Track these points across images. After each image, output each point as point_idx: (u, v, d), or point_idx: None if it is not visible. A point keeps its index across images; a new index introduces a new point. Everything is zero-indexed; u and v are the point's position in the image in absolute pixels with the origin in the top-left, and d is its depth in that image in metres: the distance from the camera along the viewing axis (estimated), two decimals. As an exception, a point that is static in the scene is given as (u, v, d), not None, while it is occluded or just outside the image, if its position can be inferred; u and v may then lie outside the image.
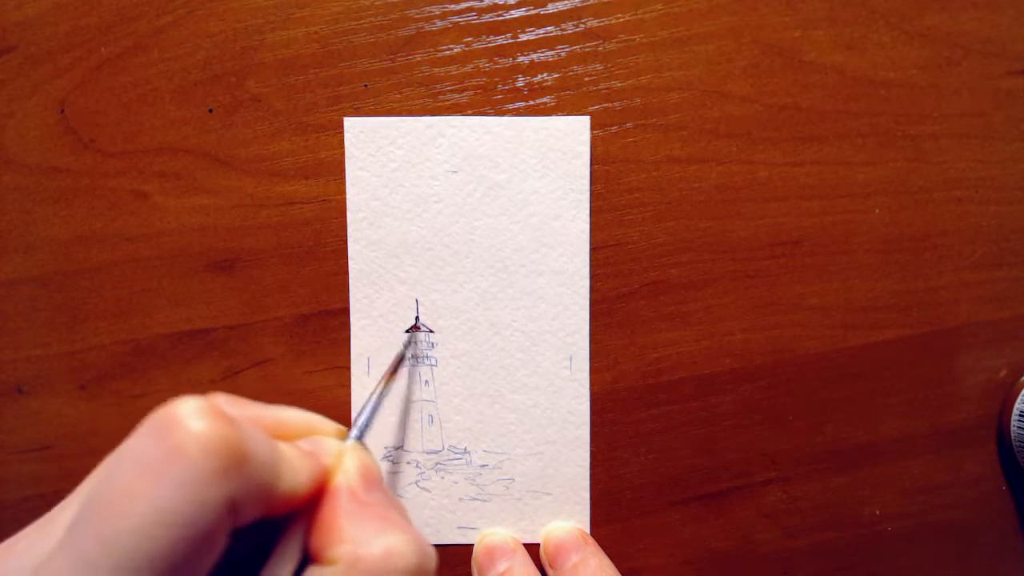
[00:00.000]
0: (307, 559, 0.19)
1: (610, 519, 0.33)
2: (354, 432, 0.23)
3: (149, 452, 0.17)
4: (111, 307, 0.33)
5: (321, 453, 0.21)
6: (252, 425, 0.18)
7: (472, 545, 0.33)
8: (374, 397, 0.27)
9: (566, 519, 0.33)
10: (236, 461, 0.17)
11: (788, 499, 0.33)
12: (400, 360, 0.31)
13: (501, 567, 0.31)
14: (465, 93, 0.32)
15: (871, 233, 0.33)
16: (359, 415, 0.25)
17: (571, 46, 0.32)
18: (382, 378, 0.28)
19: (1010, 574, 0.34)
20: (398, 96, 0.32)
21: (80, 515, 0.17)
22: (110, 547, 0.15)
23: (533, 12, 0.32)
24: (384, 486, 0.22)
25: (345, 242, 0.32)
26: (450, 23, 0.32)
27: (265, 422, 0.21)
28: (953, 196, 0.33)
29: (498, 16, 0.32)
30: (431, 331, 0.32)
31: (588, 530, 0.33)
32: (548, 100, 0.32)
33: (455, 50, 0.32)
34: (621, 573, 0.31)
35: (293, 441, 0.21)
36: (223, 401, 0.20)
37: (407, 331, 0.32)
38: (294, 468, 0.19)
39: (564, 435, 0.33)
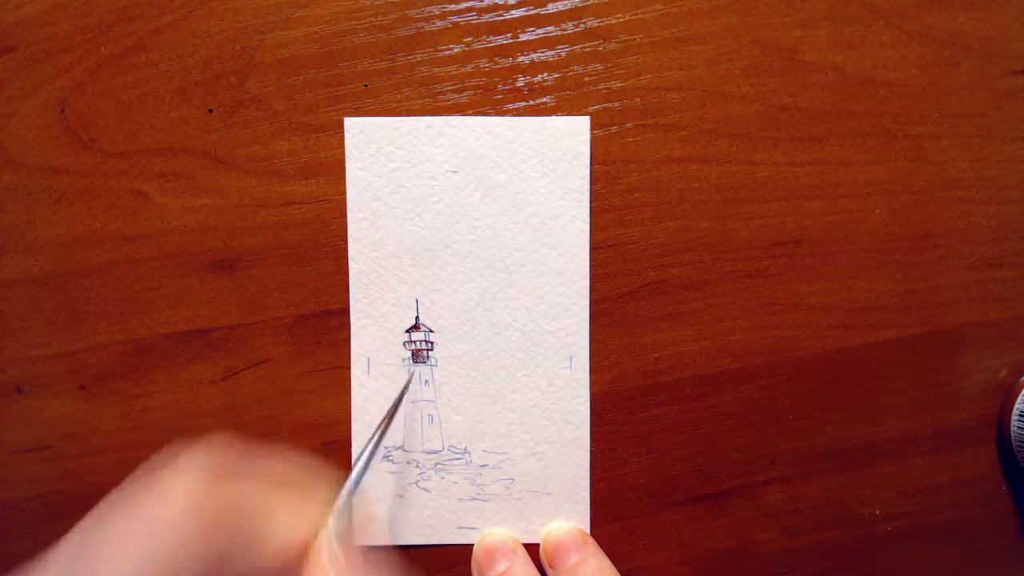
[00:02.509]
0: None
1: (610, 519, 0.33)
2: (344, 492, 0.23)
3: (140, 508, 0.17)
4: (111, 307, 0.33)
5: (311, 511, 0.21)
6: (245, 481, 0.19)
7: (472, 545, 0.33)
8: (367, 452, 0.27)
9: (566, 519, 0.33)
10: (224, 524, 0.17)
11: (788, 499, 0.33)
12: (395, 409, 0.31)
13: (501, 567, 0.31)
14: (465, 93, 0.32)
15: (871, 233, 0.33)
16: (352, 471, 0.25)
17: (571, 46, 0.32)
18: (375, 432, 0.29)
19: (1010, 574, 0.34)
20: (398, 96, 0.32)
21: (68, 570, 0.17)
22: None
23: (533, 12, 0.32)
24: (360, 565, 0.22)
25: (345, 242, 0.32)
26: (450, 23, 0.32)
27: (260, 474, 0.21)
28: (953, 196, 0.33)
29: (498, 16, 0.32)
30: (431, 331, 0.32)
31: (588, 530, 0.33)
32: (548, 100, 0.32)
33: (455, 50, 0.32)
34: (621, 573, 0.31)
35: (287, 494, 0.21)
36: (220, 451, 0.20)
37: (406, 342, 0.32)
38: (284, 527, 0.19)
39: (564, 435, 0.33)
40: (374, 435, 0.29)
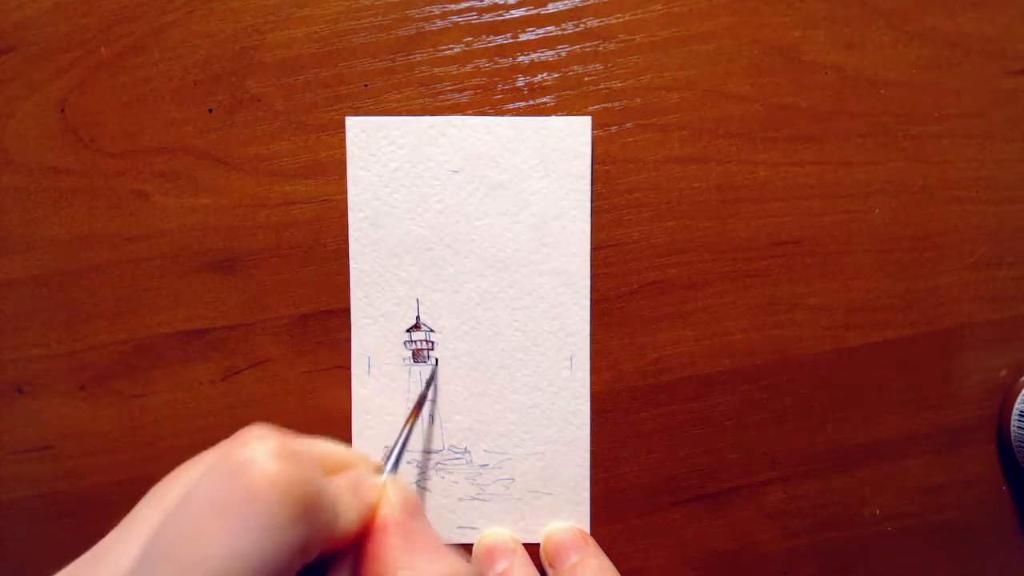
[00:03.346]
0: None
1: (610, 519, 0.33)
2: (389, 466, 0.24)
3: (224, 494, 0.16)
4: (111, 307, 0.33)
5: (363, 489, 0.21)
6: (314, 463, 0.19)
7: (472, 545, 0.33)
8: (405, 431, 0.27)
9: (566, 519, 0.33)
10: (312, 507, 0.17)
11: (788, 499, 0.33)
12: (427, 391, 0.31)
13: (500, 567, 0.31)
14: (465, 93, 0.32)
15: (871, 233, 0.33)
16: (392, 448, 0.25)
17: (571, 46, 0.32)
18: (410, 413, 0.29)
19: (1010, 574, 0.34)
20: (398, 96, 0.32)
21: (150, 553, 0.16)
22: None
23: (533, 12, 0.32)
24: (425, 515, 0.22)
25: (345, 242, 0.32)
26: (450, 23, 0.32)
27: (323, 460, 0.21)
28: (953, 196, 0.33)
29: (498, 16, 0.32)
30: (432, 330, 0.32)
31: (588, 530, 0.33)
32: (548, 100, 0.32)
33: (455, 50, 0.32)
34: (621, 573, 0.31)
35: (334, 476, 0.21)
36: (271, 434, 0.20)
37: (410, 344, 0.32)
38: (347, 506, 0.20)
39: (564, 435, 0.33)
40: (410, 413, 0.29)
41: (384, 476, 0.22)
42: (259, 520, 0.16)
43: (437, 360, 0.32)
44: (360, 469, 0.22)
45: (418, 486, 0.33)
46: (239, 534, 0.16)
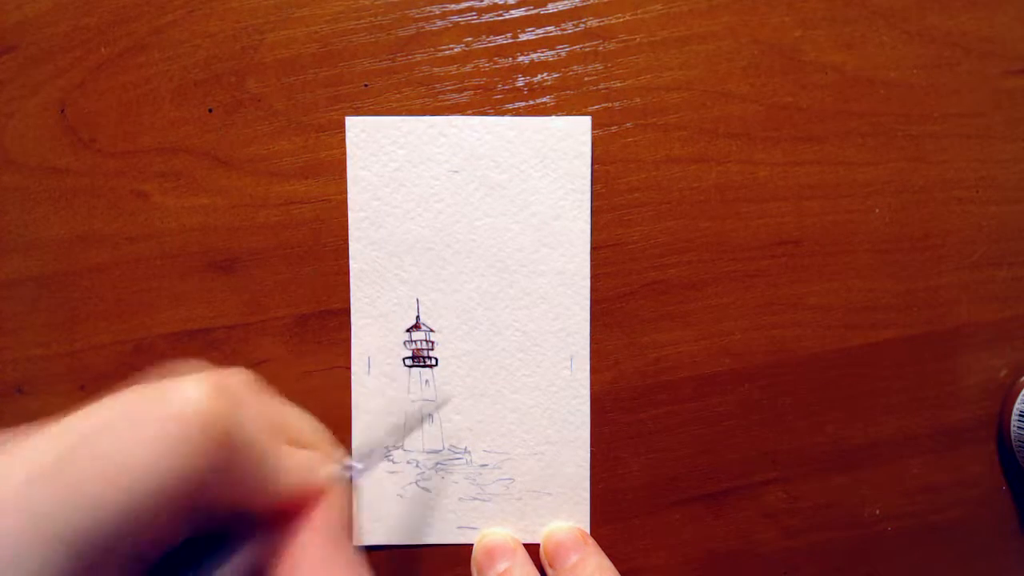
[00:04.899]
0: None
1: (610, 519, 0.33)
2: (356, 463, 0.23)
3: (147, 411, 0.17)
4: (111, 307, 0.33)
5: (315, 468, 0.21)
6: (256, 412, 0.19)
7: (472, 545, 0.33)
8: (383, 446, 0.27)
9: (566, 519, 0.33)
10: (228, 442, 0.17)
11: (788, 499, 0.33)
12: (423, 422, 0.31)
13: (501, 567, 0.31)
14: (465, 93, 0.32)
15: (871, 233, 0.33)
16: (365, 454, 0.25)
17: (571, 46, 0.32)
18: (395, 431, 0.29)
19: (1010, 574, 0.34)
20: (398, 96, 0.32)
21: (63, 456, 0.17)
22: (82, 490, 0.16)
23: (533, 12, 0.32)
24: (349, 538, 0.22)
25: (345, 242, 0.32)
26: (450, 23, 0.32)
27: (274, 417, 0.21)
28: (953, 196, 0.33)
29: (498, 16, 0.32)
30: (432, 330, 0.32)
31: (588, 530, 0.33)
32: (548, 100, 0.32)
33: (455, 50, 0.32)
34: (621, 573, 0.31)
35: (295, 446, 0.21)
36: (238, 380, 0.20)
37: (407, 338, 0.32)
38: (286, 470, 0.19)
39: (564, 435, 0.33)
40: (405, 430, 0.29)
41: (350, 472, 0.22)
42: (171, 438, 0.16)
43: (434, 365, 0.32)
44: (326, 454, 0.22)
45: (418, 486, 0.33)
46: (149, 448, 0.16)
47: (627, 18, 0.32)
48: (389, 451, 0.27)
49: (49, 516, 0.16)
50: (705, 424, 0.33)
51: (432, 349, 0.32)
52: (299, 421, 0.22)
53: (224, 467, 0.17)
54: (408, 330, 0.32)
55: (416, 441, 0.33)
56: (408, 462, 0.33)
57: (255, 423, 0.18)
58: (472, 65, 0.32)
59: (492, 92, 0.32)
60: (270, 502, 0.20)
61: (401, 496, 0.33)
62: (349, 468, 0.23)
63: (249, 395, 0.20)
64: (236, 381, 0.20)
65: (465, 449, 0.33)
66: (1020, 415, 0.32)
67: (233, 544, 0.19)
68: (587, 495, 0.33)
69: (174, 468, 0.16)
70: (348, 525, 0.21)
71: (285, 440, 0.21)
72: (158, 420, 0.17)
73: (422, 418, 0.32)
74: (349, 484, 0.22)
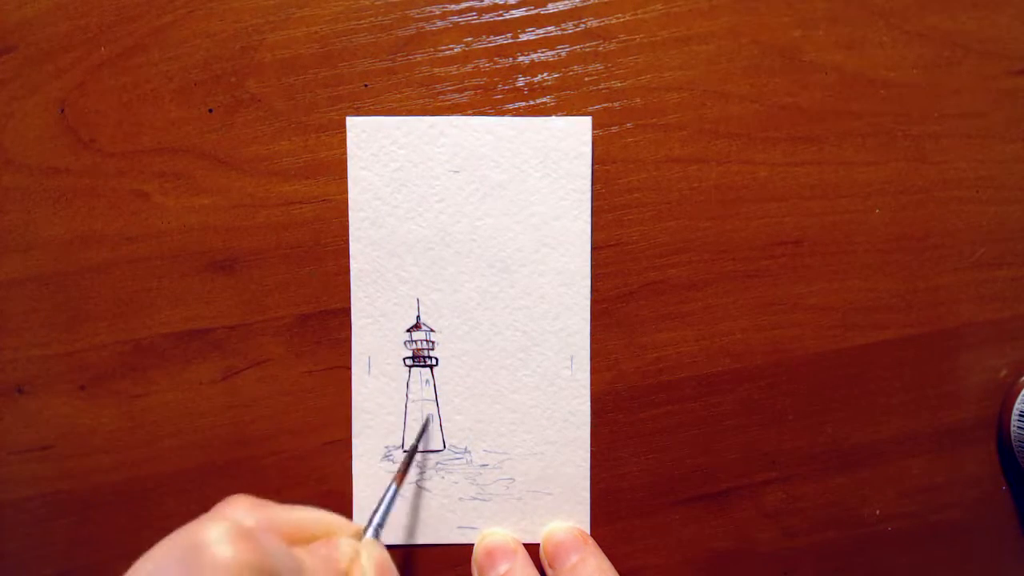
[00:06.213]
0: None
1: (610, 519, 0.33)
2: (370, 532, 0.24)
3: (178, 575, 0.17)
4: (111, 307, 0.33)
5: (337, 556, 0.21)
6: (273, 538, 0.19)
7: (472, 545, 0.33)
8: (389, 494, 0.27)
9: (566, 519, 0.33)
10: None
11: (788, 499, 0.33)
12: (412, 455, 0.31)
13: (502, 568, 0.31)
14: (465, 93, 0.32)
15: (871, 233, 0.33)
16: (374, 513, 0.25)
17: (571, 46, 0.32)
18: (395, 476, 0.29)
19: (1010, 574, 0.34)
20: (398, 96, 0.32)
21: None
22: None
23: (533, 12, 0.32)
24: None
25: (345, 242, 0.32)
26: (450, 23, 0.32)
27: (283, 528, 0.21)
28: (953, 196, 0.33)
29: (498, 16, 0.32)
30: (432, 330, 0.32)
31: (588, 530, 0.33)
32: (548, 100, 0.32)
33: (455, 50, 0.32)
34: (621, 573, 0.31)
35: (310, 543, 0.21)
36: (242, 510, 0.20)
37: (408, 346, 0.32)
38: (313, 574, 0.20)
39: (564, 435, 0.33)
40: (396, 475, 0.29)
41: (363, 541, 0.23)
42: None
43: (434, 365, 0.32)
44: (339, 535, 0.22)
45: (418, 486, 0.33)
46: None
47: (627, 18, 0.32)
48: (395, 496, 0.28)
49: None
50: (705, 424, 0.33)
51: (432, 349, 0.32)
52: (305, 516, 0.22)
53: None
54: (408, 330, 0.32)
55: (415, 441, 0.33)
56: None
57: (279, 551, 0.19)
58: (472, 65, 0.32)
59: (492, 92, 0.32)
60: None
61: (401, 496, 0.33)
62: (368, 534, 0.23)
63: (260, 520, 0.20)
64: (243, 513, 0.20)
65: (465, 449, 0.33)
66: (1020, 415, 0.32)
67: None
68: (587, 495, 0.33)
69: None
70: (386, 571, 0.22)
71: (303, 540, 0.21)
72: None
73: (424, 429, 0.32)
74: (379, 543, 0.23)
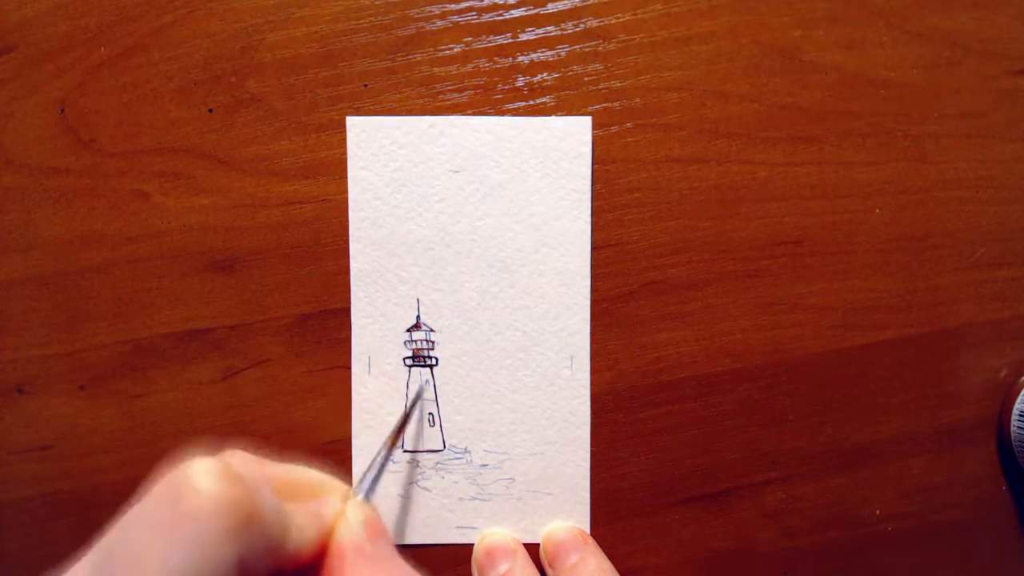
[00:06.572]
0: None
1: (610, 519, 0.33)
2: (359, 491, 0.24)
3: (162, 513, 0.17)
4: (111, 307, 0.33)
5: (326, 512, 0.22)
6: (262, 485, 0.19)
7: (472, 545, 0.33)
8: (379, 458, 0.27)
9: (566, 519, 0.33)
10: (246, 521, 0.17)
11: (788, 499, 0.33)
12: (405, 421, 0.31)
13: (502, 568, 0.31)
14: (465, 93, 0.32)
15: (871, 233, 0.33)
16: (364, 476, 0.26)
17: (571, 46, 0.32)
18: (387, 439, 0.29)
19: (1010, 574, 0.34)
20: (398, 96, 0.32)
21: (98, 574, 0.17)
22: None
23: (533, 12, 0.32)
24: (389, 539, 0.22)
25: (345, 242, 0.32)
26: (450, 23, 0.32)
27: (275, 481, 0.21)
28: (953, 196, 0.33)
29: (498, 16, 0.32)
30: (432, 330, 0.32)
31: (588, 530, 0.33)
32: (548, 100, 0.32)
33: (455, 50, 0.32)
34: (621, 573, 0.31)
35: (301, 501, 0.21)
36: (236, 459, 0.20)
37: (407, 348, 0.32)
38: (300, 527, 0.20)
39: (564, 435, 0.33)
40: (388, 438, 0.29)
41: (351, 499, 0.23)
42: (192, 536, 0.17)
43: (434, 365, 0.32)
44: (330, 495, 0.22)
45: (418, 486, 0.33)
46: (174, 550, 0.16)
47: (627, 18, 0.32)
48: (387, 459, 0.28)
49: None
50: (705, 424, 0.33)
51: (432, 349, 0.32)
52: (300, 474, 0.23)
53: (252, 548, 0.18)
54: (408, 330, 0.32)
55: (416, 441, 0.33)
56: (408, 462, 0.33)
57: (266, 496, 0.19)
58: (472, 65, 0.32)
59: (492, 92, 0.32)
60: (302, 560, 0.20)
61: (401, 496, 0.33)
62: (359, 495, 0.23)
63: (253, 469, 0.20)
64: (237, 460, 0.20)
65: (465, 449, 0.33)
66: (1020, 415, 0.32)
67: None
68: (587, 495, 0.33)
69: (207, 566, 0.17)
70: (385, 535, 0.22)
71: (295, 497, 0.21)
72: (174, 522, 0.17)
73: (415, 417, 0.32)
74: (369, 504, 0.23)
